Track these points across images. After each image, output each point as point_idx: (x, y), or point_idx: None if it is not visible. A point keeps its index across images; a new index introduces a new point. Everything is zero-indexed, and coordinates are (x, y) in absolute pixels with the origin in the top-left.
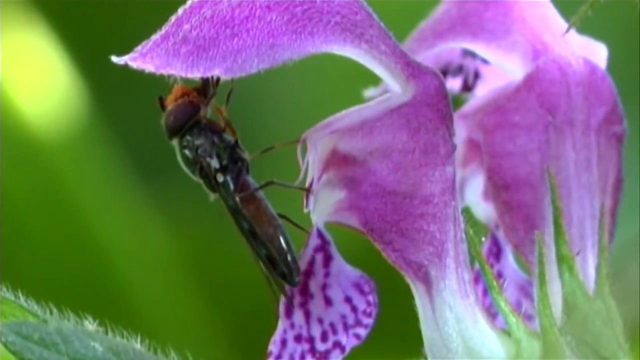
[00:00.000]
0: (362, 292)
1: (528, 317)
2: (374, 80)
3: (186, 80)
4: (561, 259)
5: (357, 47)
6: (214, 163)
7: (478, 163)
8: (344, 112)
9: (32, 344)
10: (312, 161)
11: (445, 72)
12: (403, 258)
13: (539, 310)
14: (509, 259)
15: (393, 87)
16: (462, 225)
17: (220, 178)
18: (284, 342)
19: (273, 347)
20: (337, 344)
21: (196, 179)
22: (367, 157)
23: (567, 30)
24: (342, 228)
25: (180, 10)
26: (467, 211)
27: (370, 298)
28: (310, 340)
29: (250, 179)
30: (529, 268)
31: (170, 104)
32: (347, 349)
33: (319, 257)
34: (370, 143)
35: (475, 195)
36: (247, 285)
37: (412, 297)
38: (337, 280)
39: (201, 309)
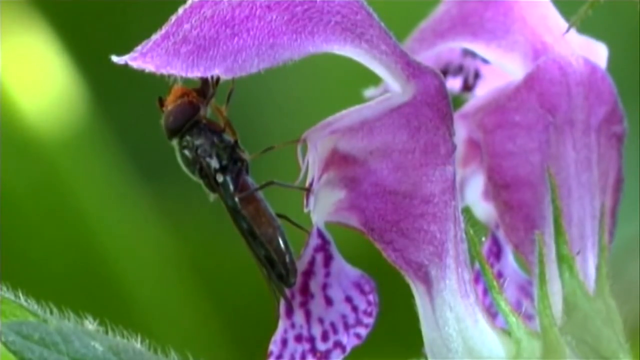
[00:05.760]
0: (362, 291)
1: (528, 317)
2: (374, 80)
3: (186, 80)
4: (561, 259)
5: (358, 46)
6: (214, 163)
7: (478, 163)
8: (344, 112)
9: (32, 344)
10: (312, 161)
11: (445, 72)
12: (403, 258)
13: (539, 310)
14: (509, 258)
15: (393, 87)
16: (462, 225)
17: (219, 178)
18: (284, 342)
19: (274, 346)
20: (338, 344)
21: (196, 179)
22: (367, 156)
23: (567, 30)
24: (342, 228)
25: (180, 10)
26: (467, 211)
27: (371, 297)
28: (311, 340)
29: (249, 179)
30: (529, 268)
31: (169, 105)
32: (348, 349)
33: (320, 257)
34: (370, 143)
35: (475, 195)
36: (247, 285)
37: (412, 297)
38: (338, 280)
39: (201, 309)
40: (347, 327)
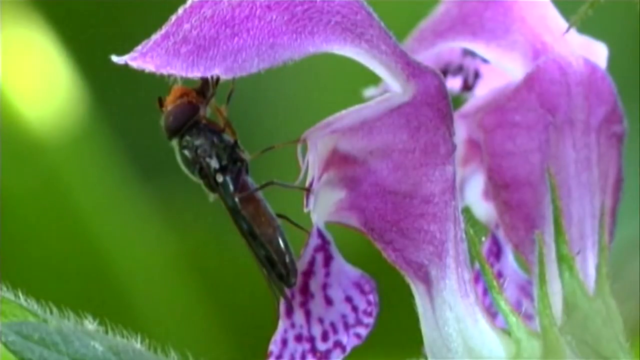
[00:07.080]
0: (362, 291)
1: (528, 317)
2: (374, 80)
3: (186, 81)
4: (561, 259)
5: (357, 46)
6: (214, 163)
7: (478, 163)
8: (344, 111)
9: (32, 344)
10: (312, 161)
11: (445, 72)
12: (403, 258)
13: (539, 310)
14: (509, 258)
15: (393, 87)
16: (462, 225)
17: (219, 178)
18: (284, 342)
19: (274, 346)
20: (338, 344)
21: (196, 179)
22: (367, 156)
23: (567, 30)
24: (342, 228)
25: (180, 10)
26: (467, 211)
27: (371, 297)
28: (311, 339)
29: (249, 179)
30: (529, 268)
31: (169, 105)
32: (348, 349)
33: (320, 257)
34: (370, 143)
35: (475, 195)
36: (247, 285)
37: (412, 297)
38: (338, 280)
39: (201, 309)
40: (347, 327)
